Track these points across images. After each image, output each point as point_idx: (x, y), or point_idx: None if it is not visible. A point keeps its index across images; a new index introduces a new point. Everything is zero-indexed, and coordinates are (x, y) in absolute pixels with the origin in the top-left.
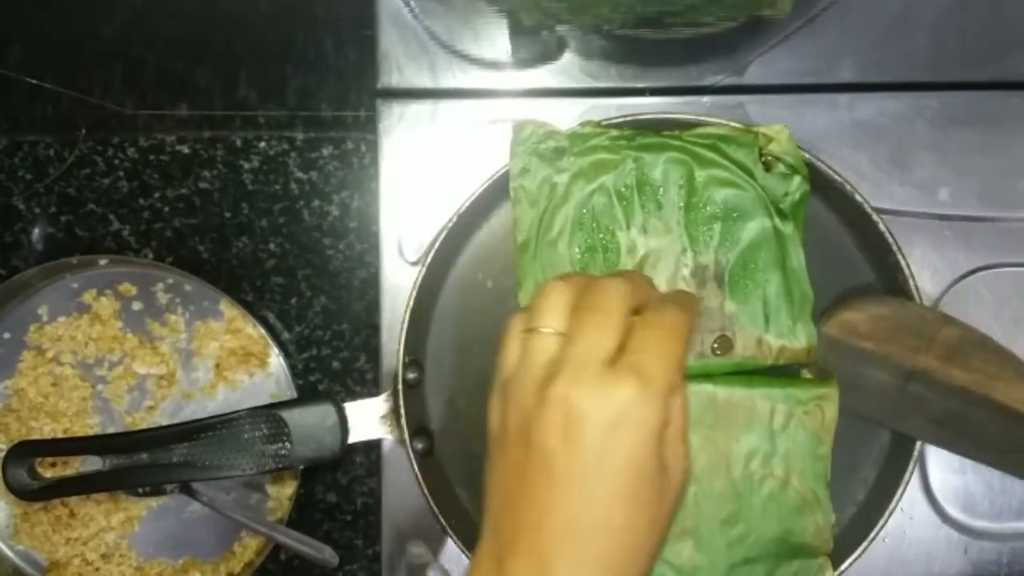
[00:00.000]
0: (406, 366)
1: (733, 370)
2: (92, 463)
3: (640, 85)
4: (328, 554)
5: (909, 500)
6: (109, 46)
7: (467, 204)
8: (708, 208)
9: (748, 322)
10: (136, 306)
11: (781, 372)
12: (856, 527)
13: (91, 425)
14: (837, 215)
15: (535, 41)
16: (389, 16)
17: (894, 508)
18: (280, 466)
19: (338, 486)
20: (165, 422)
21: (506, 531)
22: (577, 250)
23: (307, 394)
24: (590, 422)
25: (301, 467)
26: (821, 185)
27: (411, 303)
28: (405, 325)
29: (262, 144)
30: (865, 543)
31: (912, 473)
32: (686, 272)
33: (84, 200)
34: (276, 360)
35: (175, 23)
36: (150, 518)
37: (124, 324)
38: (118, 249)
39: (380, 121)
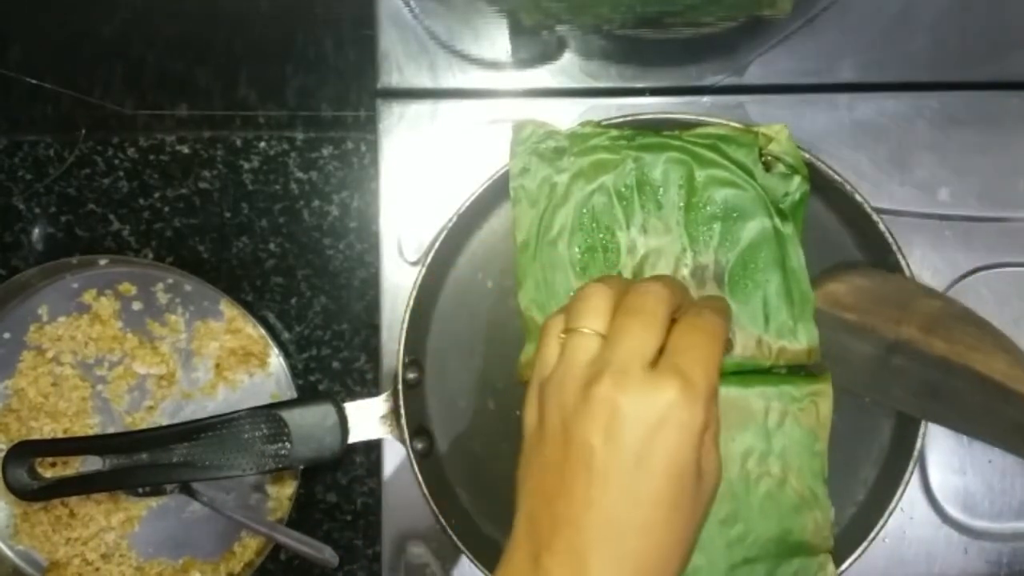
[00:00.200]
0: (406, 366)
1: (733, 370)
2: (92, 463)
3: (640, 85)
4: (328, 554)
5: (909, 500)
6: (109, 46)
7: (467, 204)
8: (708, 208)
9: (748, 322)
10: (136, 306)
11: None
12: (856, 527)
13: (91, 425)
14: (837, 215)
15: (535, 41)
16: (389, 16)
17: (894, 508)
18: (280, 466)
19: (338, 486)
20: (165, 422)
21: (543, 528)
22: (577, 250)
23: (307, 394)
24: (633, 422)
25: (301, 467)
26: (821, 185)
27: (411, 303)
28: (405, 325)
29: (262, 144)
30: (865, 543)
31: (912, 473)
32: (686, 272)
33: (84, 200)
34: (276, 360)
35: (175, 23)
36: (150, 518)
37: (124, 324)
38: (118, 249)
39: (380, 121)
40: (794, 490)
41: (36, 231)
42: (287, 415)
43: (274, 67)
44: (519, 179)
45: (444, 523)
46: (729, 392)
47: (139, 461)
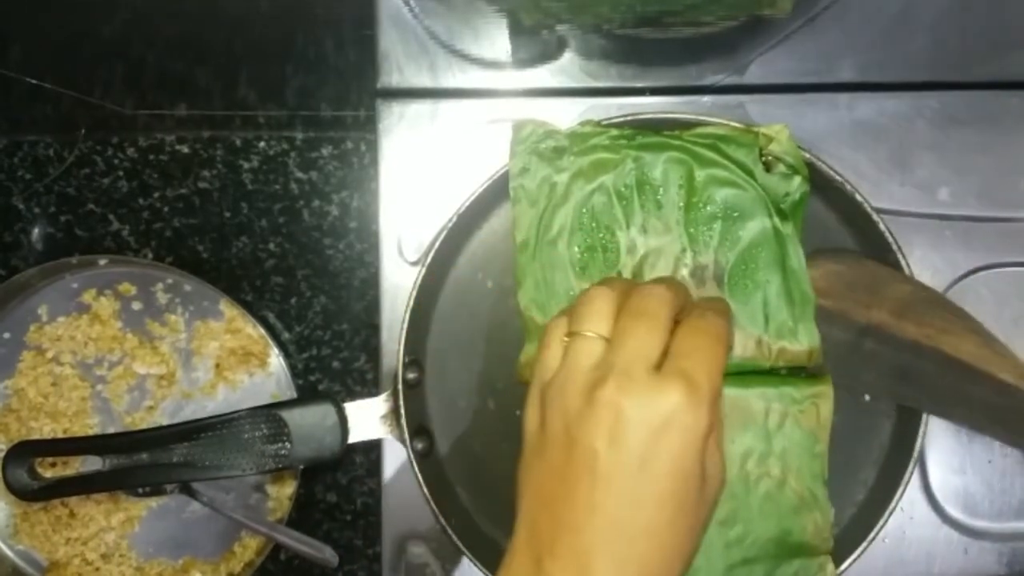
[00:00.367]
0: (406, 366)
1: (733, 371)
2: (92, 463)
3: (640, 85)
4: (328, 554)
5: (909, 500)
6: (109, 46)
7: (467, 204)
8: (708, 208)
9: (747, 322)
10: (136, 306)
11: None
12: (856, 527)
13: (91, 425)
14: (837, 215)
15: (535, 41)
16: (389, 16)
17: (894, 508)
18: (280, 466)
19: (338, 486)
20: (165, 422)
21: (544, 532)
22: (577, 249)
23: (307, 394)
24: (637, 426)
25: (301, 467)
26: (821, 185)
27: (411, 303)
28: (405, 325)
29: (262, 144)
30: (865, 543)
31: (912, 473)
32: (685, 272)
33: (84, 200)
34: (276, 360)
35: (175, 23)
36: (150, 518)
37: (124, 324)
38: (118, 249)
39: (380, 121)
40: (794, 491)
41: (36, 231)
42: (287, 415)
43: (274, 67)
44: (519, 179)
45: (444, 523)
46: (729, 393)
47: (139, 461)
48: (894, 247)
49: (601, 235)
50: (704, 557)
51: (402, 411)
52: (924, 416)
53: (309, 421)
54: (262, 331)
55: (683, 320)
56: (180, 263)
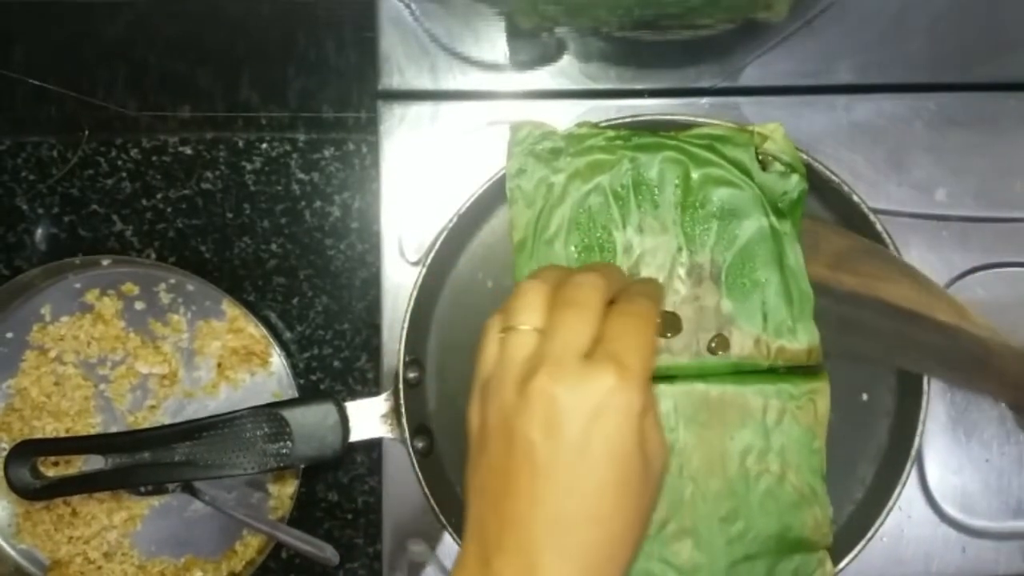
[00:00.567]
0: (407, 365)
1: (731, 370)
2: (94, 462)
3: (639, 87)
4: (329, 552)
5: (907, 499)
6: (112, 48)
7: (467, 204)
8: (704, 207)
9: (746, 321)
10: (138, 306)
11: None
12: (854, 526)
13: (93, 424)
14: (834, 215)
15: (535, 43)
16: (390, 18)
17: (892, 507)
18: (282, 465)
19: (339, 485)
20: (167, 421)
21: (491, 530)
22: (573, 249)
23: (308, 393)
24: (572, 413)
25: (302, 466)
26: (819, 186)
27: (412, 303)
28: (406, 325)
29: (264, 145)
30: (863, 542)
31: (910, 472)
32: (682, 271)
33: (87, 200)
34: (278, 359)
35: (177, 25)
36: (152, 517)
37: (126, 324)
38: (121, 249)
39: (381, 122)
40: (793, 487)
41: (39, 231)
42: (288, 414)
43: (276, 69)
44: (515, 179)
45: (444, 522)
46: (727, 390)
47: (141, 460)
48: (891, 247)
49: (598, 235)
50: (706, 554)
51: (403, 410)
52: (922, 415)
53: (310, 420)
54: (264, 331)
55: (613, 305)
56: (183, 263)
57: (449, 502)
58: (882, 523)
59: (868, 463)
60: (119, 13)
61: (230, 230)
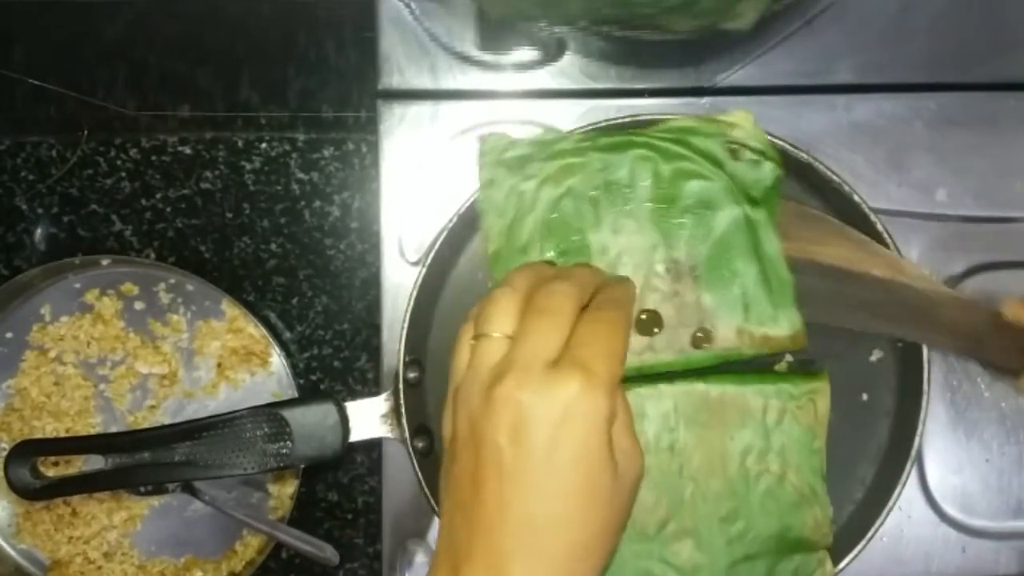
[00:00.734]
0: (407, 365)
1: (716, 362)
2: (94, 462)
3: (639, 86)
4: (329, 552)
5: (907, 499)
6: (112, 48)
7: (467, 204)
8: (677, 202)
9: (727, 313)
10: (138, 306)
11: (767, 364)
12: (854, 526)
13: (93, 424)
14: (835, 215)
15: (522, 39)
16: (390, 18)
17: (892, 507)
18: (281, 465)
19: (339, 485)
20: (167, 421)
21: (461, 538)
22: (552, 254)
23: (308, 393)
24: (538, 419)
25: (302, 466)
26: (819, 186)
27: (412, 303)
28: (406, 325)
29: (264, 145)
30: (863, 542)
31: (910, 472)
32: (660, 268)
33: (86, 200)
34: (277, 359)
35: (177, 25)
36: (152, 517)
37: (126, 324)
38: (120, 249)
39: (381, 122)
40: (793, 487)
41: (39, 231)
42: (288, 414)
43: (276, 69)
44: (486, 191)
45: None
46: (727, 390)
47: (141, 460)
48: (891, 247)
49: (573, 238)
50: (707, 554)
51: (403, 410)
52: (922, 415)
53: (310, 420)
54: (264, 331)
55: (584, 311)
56: (182, 263)
57: None
58: (882, 523)
59: (868, 463)
60: (119, 13)
61: (230, 230)
